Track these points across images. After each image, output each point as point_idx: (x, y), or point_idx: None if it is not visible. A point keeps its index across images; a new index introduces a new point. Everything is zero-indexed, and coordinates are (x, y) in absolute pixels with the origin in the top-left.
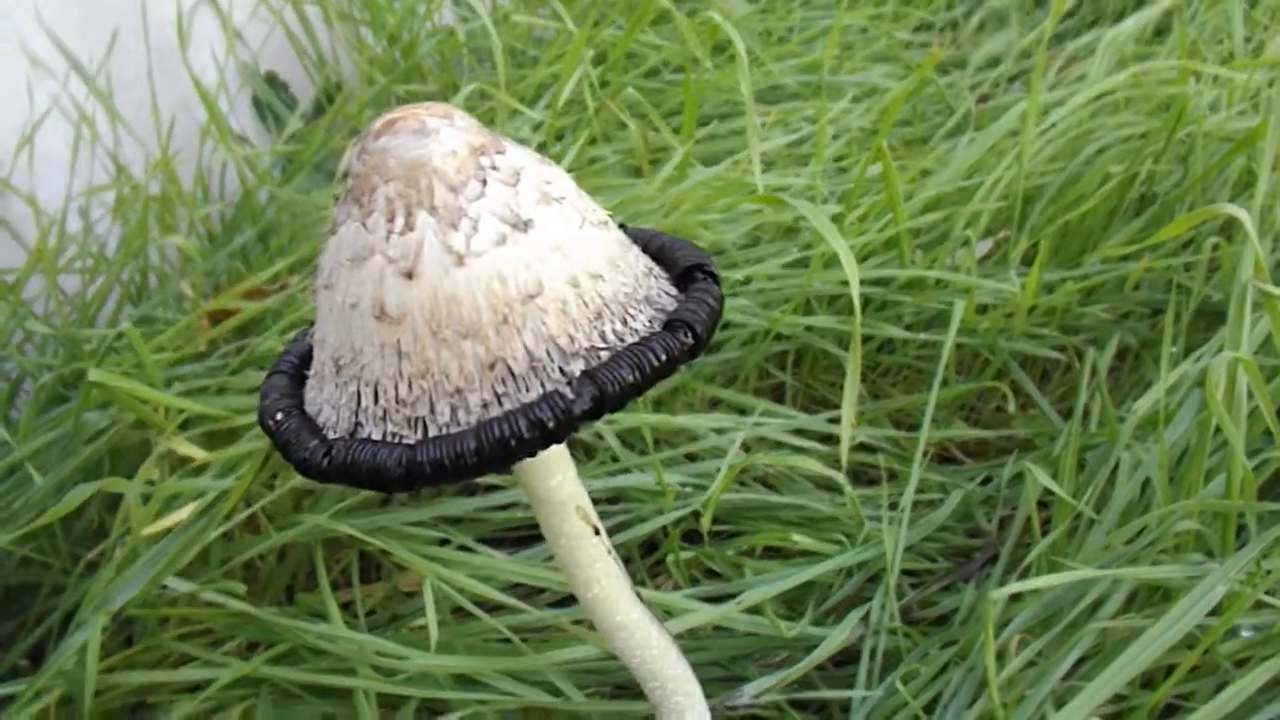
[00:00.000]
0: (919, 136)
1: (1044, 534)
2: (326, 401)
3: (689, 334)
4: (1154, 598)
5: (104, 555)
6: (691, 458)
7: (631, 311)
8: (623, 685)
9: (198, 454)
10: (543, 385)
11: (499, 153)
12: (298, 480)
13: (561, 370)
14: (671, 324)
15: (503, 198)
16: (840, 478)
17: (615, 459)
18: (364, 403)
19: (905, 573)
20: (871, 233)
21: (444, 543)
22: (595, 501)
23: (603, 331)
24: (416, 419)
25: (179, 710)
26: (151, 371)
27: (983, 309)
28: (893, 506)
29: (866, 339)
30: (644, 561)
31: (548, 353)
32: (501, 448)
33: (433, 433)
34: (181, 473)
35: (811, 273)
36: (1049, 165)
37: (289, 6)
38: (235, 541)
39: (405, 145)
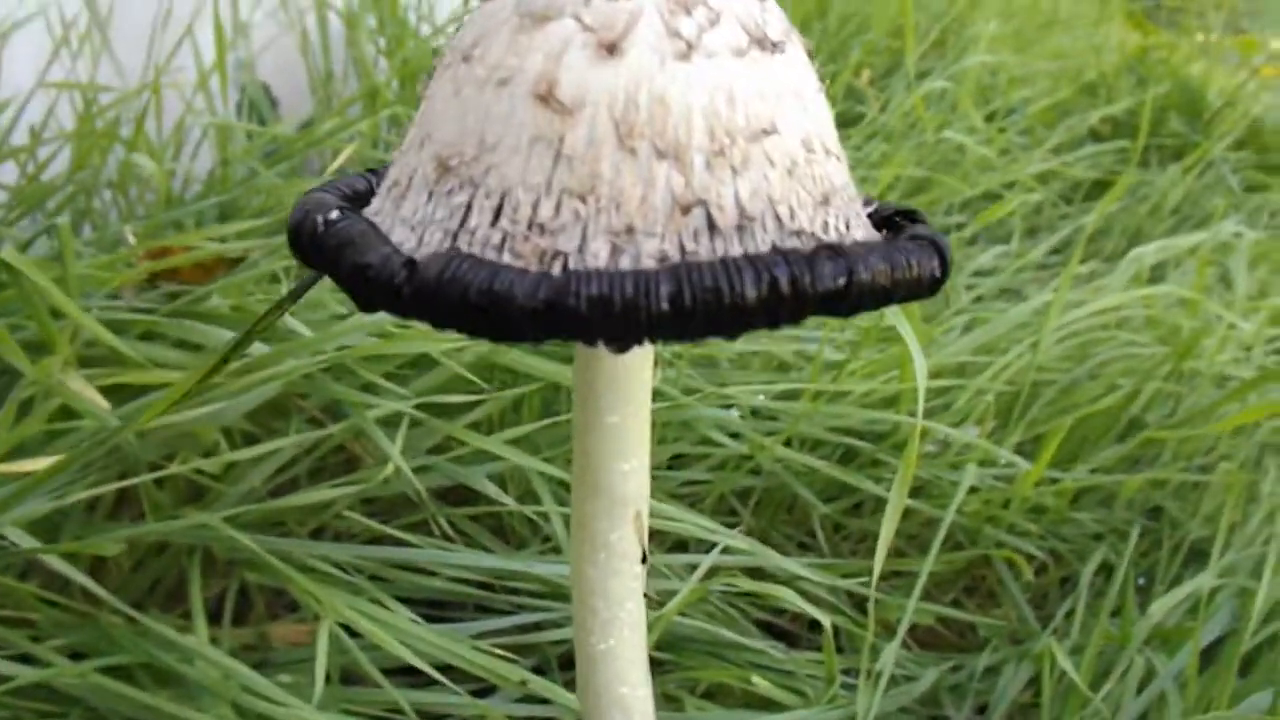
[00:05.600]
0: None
1: None
2: (404, 221)
3: (939, 259)
4: None
5: None
6: None
7: (853, 221)
8: None
9: (98, 400)
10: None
11: None
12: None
13: (775, 247)
14: (918, 238)
15: (748, 6)
16: (828, 624)
17: (556, 549)
18: (474, 220)
19: None
20: (876, 384)
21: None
22: (526, 593)
23: (826, 222)
24: (555, 253)
25: None
26: (73, 287)
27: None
28: (845, 672)
29: (839, 494)
30: (562, 674)
31: (763, 217)
32: (710, 302)
33: None
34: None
35: (814, 404)
36: (1058, 362)
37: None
38: (94, 524)
39: None
